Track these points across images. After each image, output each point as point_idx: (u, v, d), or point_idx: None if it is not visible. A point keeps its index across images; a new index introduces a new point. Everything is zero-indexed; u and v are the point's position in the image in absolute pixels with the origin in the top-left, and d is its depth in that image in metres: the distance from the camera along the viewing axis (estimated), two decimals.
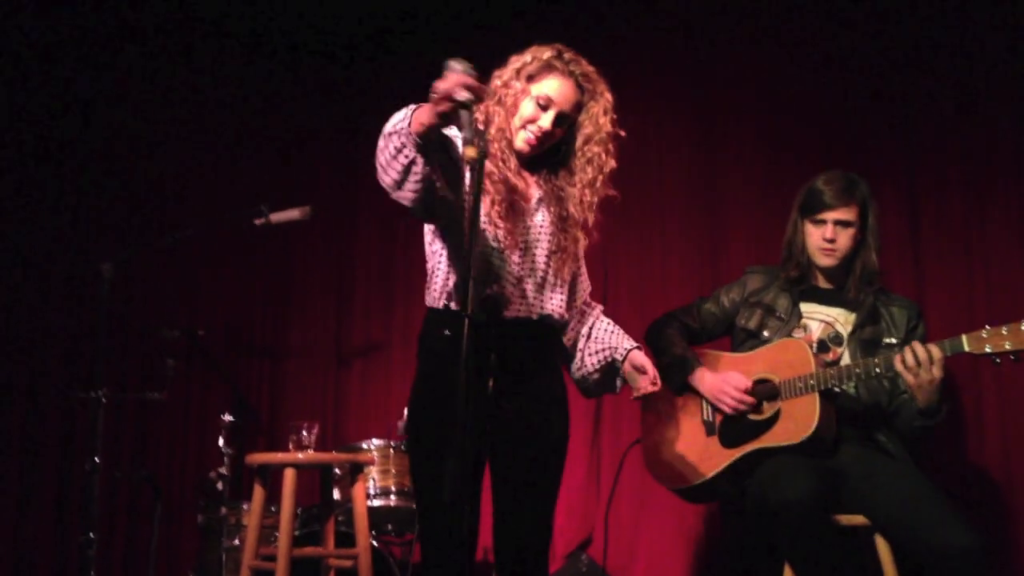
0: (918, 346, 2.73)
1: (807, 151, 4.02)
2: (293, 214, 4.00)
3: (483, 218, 2.32)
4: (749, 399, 2.97)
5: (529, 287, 2.38)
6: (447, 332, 2.34)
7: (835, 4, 4.10)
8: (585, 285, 2.63)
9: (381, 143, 2.14)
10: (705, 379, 3.06)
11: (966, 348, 2.70)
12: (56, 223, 4.50)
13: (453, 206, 2.27)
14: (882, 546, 2.79)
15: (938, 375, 2.71)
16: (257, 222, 3.97)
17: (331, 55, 5.19)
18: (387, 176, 2.15)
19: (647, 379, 2.46)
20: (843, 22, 4.08)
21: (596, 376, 2.57)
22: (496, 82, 2.41)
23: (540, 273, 2.39)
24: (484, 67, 2.55)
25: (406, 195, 2.15)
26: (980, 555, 2.55)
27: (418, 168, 2.10)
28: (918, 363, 2.71)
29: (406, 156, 2.09)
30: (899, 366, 2.74)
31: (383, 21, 4.99)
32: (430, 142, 2.10)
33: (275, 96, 5.17)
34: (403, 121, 2.10)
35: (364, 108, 5.10)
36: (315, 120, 5.22)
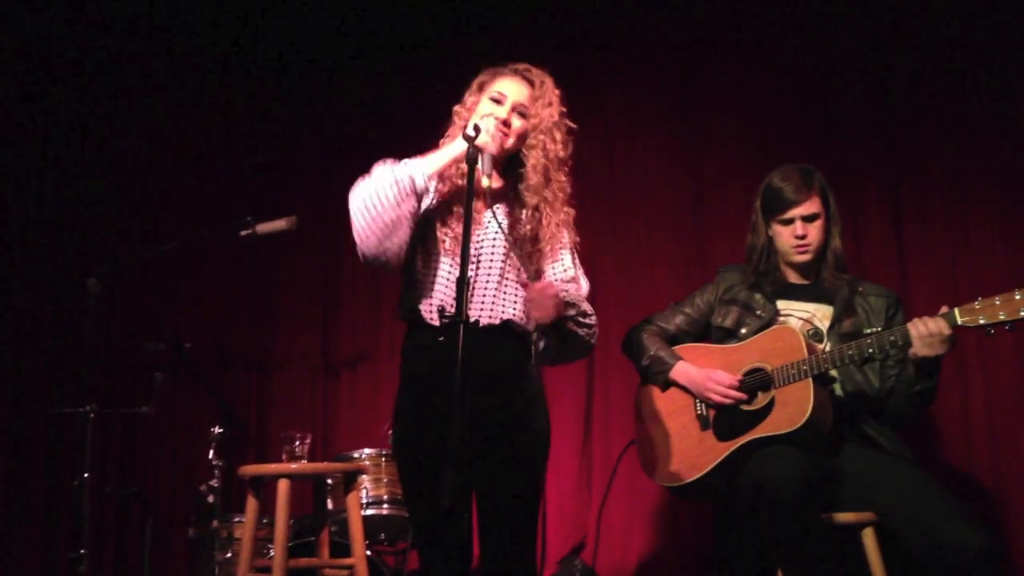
0: (930, 320, 2.70)
1: (792, 151, 4.02)
2: (279, 224, 3.99)
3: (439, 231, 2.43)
4: (737, 394, 2.95)
5: (486, 293, 2.40)
6: (429, 341, 2.40)
7: (818, 6, 4.14)
8: (575, 287, 2.56)
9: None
10: (689, 373, 3.05)
11: (959, 321, 2.66)
12: (41, 238, 4.47)
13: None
14: (869, 543, 2.77)
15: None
16: (243, 233, 3.96)
17: (314, 67, 5.18)
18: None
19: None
20: (826, 23, 4.12)
21: (542, 341, 2.53)
22: (456, 108, 2.53)
23: (496, 278, 2.42)
24: (464, 71, 2.60)
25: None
26: (992, 555, 2.54)
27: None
28: (931, 334, 2.68)
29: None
30: (914, 331, 2.70)
31: (365, 34, 4.99)
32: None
33: (259, 108, 5.16)
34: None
35: (348, 119, 5.09)
36: (299, 132, 5.21)
